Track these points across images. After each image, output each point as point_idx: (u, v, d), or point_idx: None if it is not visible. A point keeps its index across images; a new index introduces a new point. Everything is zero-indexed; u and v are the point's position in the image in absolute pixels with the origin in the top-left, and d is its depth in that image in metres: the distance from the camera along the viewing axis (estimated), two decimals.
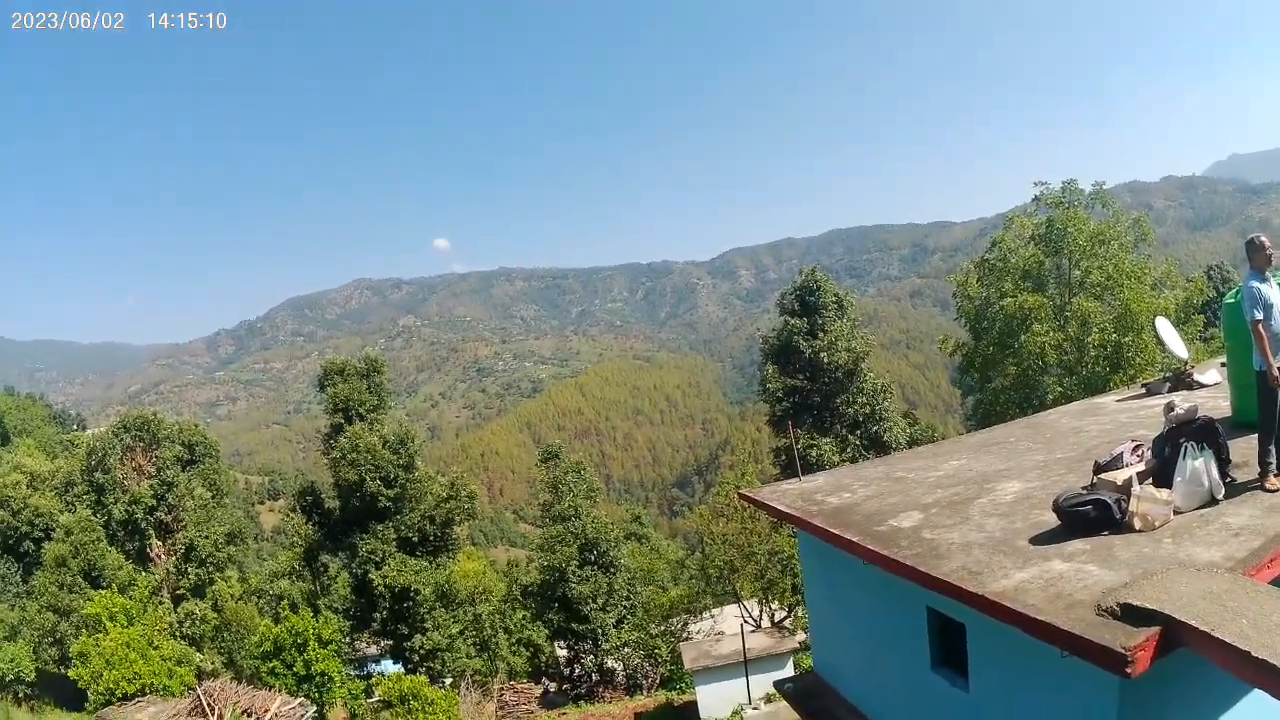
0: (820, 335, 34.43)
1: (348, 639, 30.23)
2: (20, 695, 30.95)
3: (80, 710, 25.35)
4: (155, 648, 22.98)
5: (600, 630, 33.47)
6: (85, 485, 44.03)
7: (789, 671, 19.16)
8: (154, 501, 42.31)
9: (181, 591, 40.73)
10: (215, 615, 38.14)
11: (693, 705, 21.65)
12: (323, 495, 34.28)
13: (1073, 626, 4.92)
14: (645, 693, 29.90)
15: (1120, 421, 10.79)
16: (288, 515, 53.38)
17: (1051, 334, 28.78)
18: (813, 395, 34.89)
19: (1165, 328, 13.94)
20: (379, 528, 32.16)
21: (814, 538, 9.28)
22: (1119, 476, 6.82)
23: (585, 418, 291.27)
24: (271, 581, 42.94)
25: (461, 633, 33.25)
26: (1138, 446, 7.40)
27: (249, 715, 17.43)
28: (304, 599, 35.11)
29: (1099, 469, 7.34)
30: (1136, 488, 6.40)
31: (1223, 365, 10.88)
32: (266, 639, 22.45)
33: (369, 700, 26.13)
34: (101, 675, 21.20)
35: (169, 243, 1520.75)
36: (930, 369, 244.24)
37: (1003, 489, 8.47)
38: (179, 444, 47.64)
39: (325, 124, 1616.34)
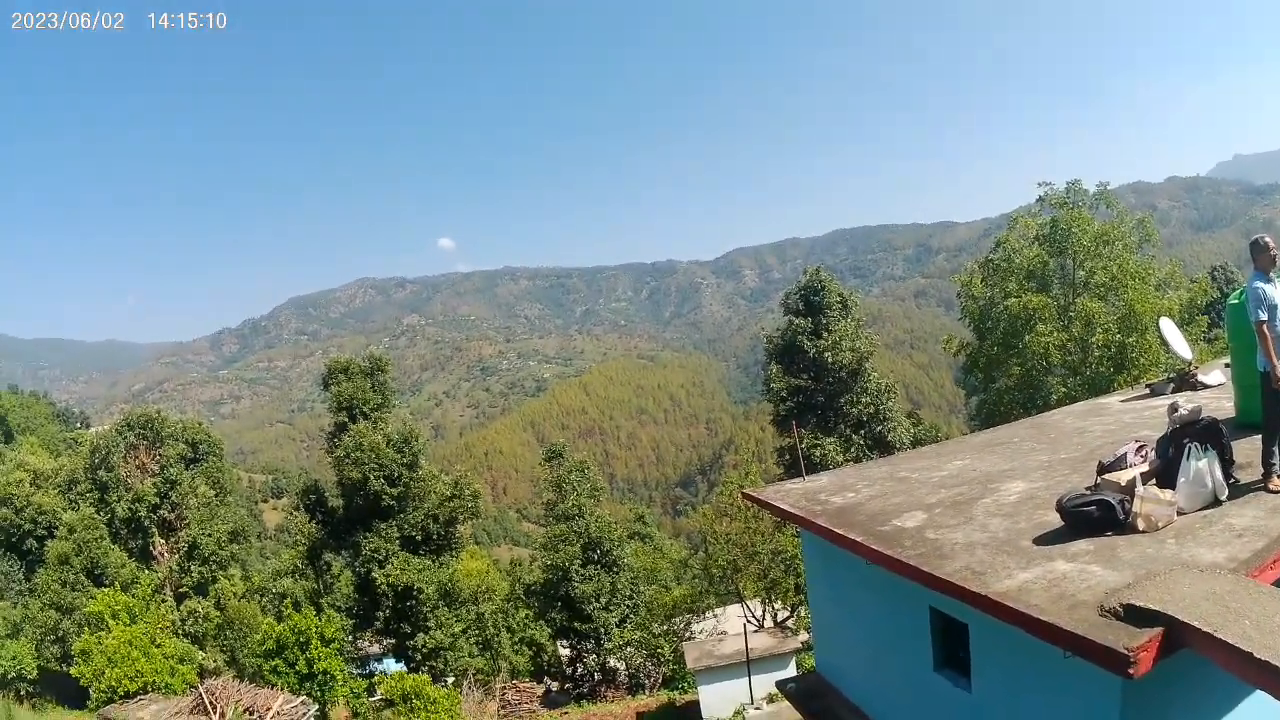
0: (824, 335, 34.42)
1: (350, 637, 30.25)
2: (22, 693, 31.09)
3: (82, 708, 25.37)
4: (158, 646, 22.98)
5: (603, 629, 33.45)
6: (88, 483, 44.13)
7: (791, 671, 19.18)
8: (157, 499, 42.41)
9: (184, 589, 40.86)
10: (218, 613, 38.24)
11: (695, 705, 21.68)
12: (326, 494, 34.39)
13: (1075, 627, 4.91)
14: (648, 692, 29.94)
15: (1124, 422, 10.77)
16: (291, 513, 53.68)
17: (1056, 334, 28.76)
18: (817, 395, 34.89)
19: (1169, 328, 13.90)
20: (382, 526, 32.22)
21: (817, 537, 9.27)
22: (1123, 477, 6.81)
23: (589, 417, 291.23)
24: (274, 580, 43.15)
25: (464, 632, 33.28)
26: (1141, 447, 7.38)
27: (251, 713, 17.48)
28: (307, 597, 35.25)
29: (1103, 469, 7.32)
30: (1140, 488, 6.39)
31: (1226, 366, 10.84)
32: (269, 637, 22.49)
33: (371, 699, 26.19)
34: (104, 673, 21.21)
35: (172, 242, 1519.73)
36: (934, 369, 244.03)
37: (1007, 489, 8.45)
38: (182, 442, 47.83)
39: (327, 124, 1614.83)
